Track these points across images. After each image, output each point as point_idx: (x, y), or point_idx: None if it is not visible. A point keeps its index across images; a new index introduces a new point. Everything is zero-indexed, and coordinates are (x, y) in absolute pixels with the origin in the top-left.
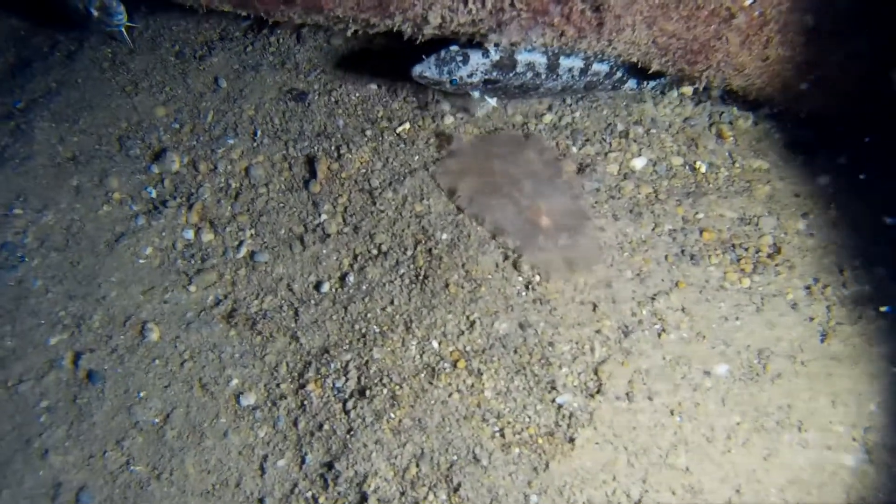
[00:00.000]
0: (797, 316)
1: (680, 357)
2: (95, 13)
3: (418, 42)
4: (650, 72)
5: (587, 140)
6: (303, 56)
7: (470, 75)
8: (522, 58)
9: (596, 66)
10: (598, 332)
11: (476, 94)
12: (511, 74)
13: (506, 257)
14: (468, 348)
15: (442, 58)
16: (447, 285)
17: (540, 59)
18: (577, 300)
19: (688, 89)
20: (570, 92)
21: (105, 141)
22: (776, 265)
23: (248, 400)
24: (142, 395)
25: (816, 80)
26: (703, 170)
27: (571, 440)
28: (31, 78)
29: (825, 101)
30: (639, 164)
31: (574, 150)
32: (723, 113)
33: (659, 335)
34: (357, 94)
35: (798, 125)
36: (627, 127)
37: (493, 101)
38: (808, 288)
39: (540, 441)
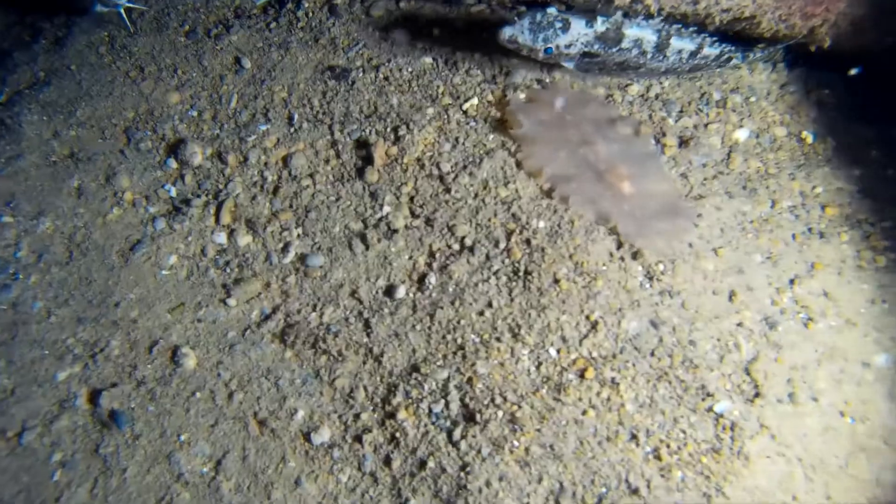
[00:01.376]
0: None
1: (833, 349)
2: None
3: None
4: (756, 40)
5: (682, 111)
6: (339, 30)
7: (568, 45)
8: (631, 32)
9: (707, 50)
10: (739, 325)
11: (570, 65)
12: (615, 50)
13: (619, 245)
14: (595, 354)
15: (538, 21)
16: (556, 280)
17: (650, 37)
18: (709, 290)
19: (780, 53)
20: (671, 74)
21: (109, 134)
22: None
23: (322, 437)
24: (183, 438)
25: None
26: (810, 140)
27: (744, 456)
28: (12, 69)
29: None
30: (742, 135)
31: (670, 122)
32: (820, 78)
33: (806, 325)
34: (410, 69)
35: None
36: (725, 96)
37: (583, 78)
38: None
39: (703, 460)
